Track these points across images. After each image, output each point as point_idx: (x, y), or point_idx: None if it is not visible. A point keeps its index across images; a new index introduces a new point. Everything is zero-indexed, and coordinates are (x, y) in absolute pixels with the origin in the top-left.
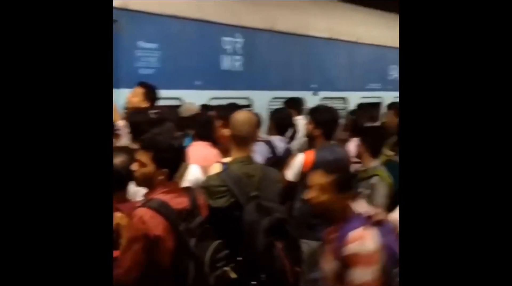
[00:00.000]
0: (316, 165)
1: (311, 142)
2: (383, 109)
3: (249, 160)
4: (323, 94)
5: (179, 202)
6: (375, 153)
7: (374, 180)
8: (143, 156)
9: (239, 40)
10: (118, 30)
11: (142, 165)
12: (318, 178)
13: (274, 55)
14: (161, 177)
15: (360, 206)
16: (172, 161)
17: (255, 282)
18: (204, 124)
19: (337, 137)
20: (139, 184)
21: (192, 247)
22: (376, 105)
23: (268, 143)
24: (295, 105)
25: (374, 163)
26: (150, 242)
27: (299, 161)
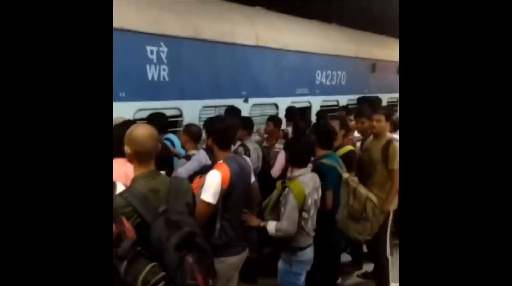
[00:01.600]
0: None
1: (210, 154)
2: (313, 114)
3: (153, 175)
4: (253, 100)
5: None
6: (301, 163)
7: (285, 191)
8: None
9: (164, 49)
10: None
11: None
12: None
13: (202, 63)
14: None
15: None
16: None
17: None
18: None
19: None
20: None
21: (122, 273)
22: (305, 110)
23: (205, 151)
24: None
25: (299, 172)
26: None
27: (216, 179)
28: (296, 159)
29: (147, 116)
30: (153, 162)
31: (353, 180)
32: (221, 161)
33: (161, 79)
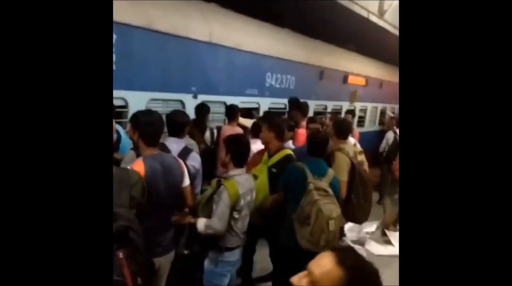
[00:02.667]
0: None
1: (137, 150)
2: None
3: None
4: (202, 97)
5: None
6: (238, 162)
7: (220, 189)
8: None
9: (113, 37)
10: None
11: None
12: None
13: (152, 55)
14: None
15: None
16: None
17: None
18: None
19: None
20: None
21: None
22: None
23: (163, 145)
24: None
25: (235, 172)
26: None
27: None
28: (236, 158)
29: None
30: None
31: (315, 183)
32: (140, 158)
33: None
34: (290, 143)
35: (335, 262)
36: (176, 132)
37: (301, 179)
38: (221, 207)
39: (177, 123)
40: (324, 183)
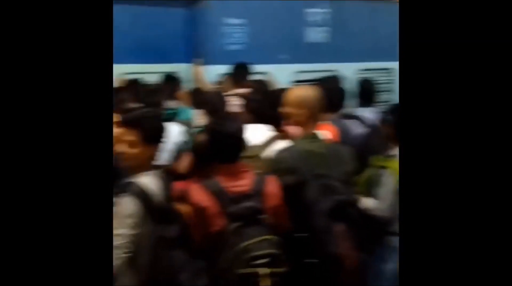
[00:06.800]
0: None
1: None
2: None
3: (315, 138)
4: None
5: (237, 185)
6: None
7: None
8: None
9: (325, 11)
10: (205, 7)
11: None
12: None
13: (360, 24)
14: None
15: None
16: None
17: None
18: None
19: None
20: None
21: (228, 232)
22: None
23: (356, 117)
24: None
25: None
26: (199, 214)
27: None
28: None
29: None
30: (316, 125)
31: None
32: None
33: (319, 41)
34: None
35: None
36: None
37: None
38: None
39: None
40: None
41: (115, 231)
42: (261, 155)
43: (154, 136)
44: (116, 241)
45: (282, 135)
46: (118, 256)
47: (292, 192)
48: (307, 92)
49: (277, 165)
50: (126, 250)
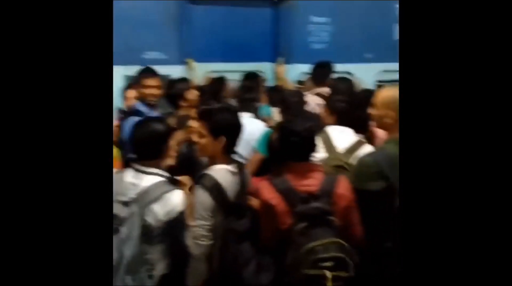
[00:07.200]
0: None
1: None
2: None
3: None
4: None
5: (305, 185)
6: None
7: None
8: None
9: None
10: (290, 6)
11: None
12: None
13: None
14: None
15: None
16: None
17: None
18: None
19: None
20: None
21: (295, 231)
22: None
23: None
24: None
25: None
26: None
27: None
28: None
29: None
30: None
31: None
32: None
33: None
34: None
35: None
36: None
37: None
38: None
39: None
40: None
41: (194, 222)
42: (348, 161)
43: (220, 128)
44: (195, 231)
45: (368, 138)
46: (197, 244)
47: (379, 199)
48: (397, 94)
49: (366, 170)
50: (204, 240)
